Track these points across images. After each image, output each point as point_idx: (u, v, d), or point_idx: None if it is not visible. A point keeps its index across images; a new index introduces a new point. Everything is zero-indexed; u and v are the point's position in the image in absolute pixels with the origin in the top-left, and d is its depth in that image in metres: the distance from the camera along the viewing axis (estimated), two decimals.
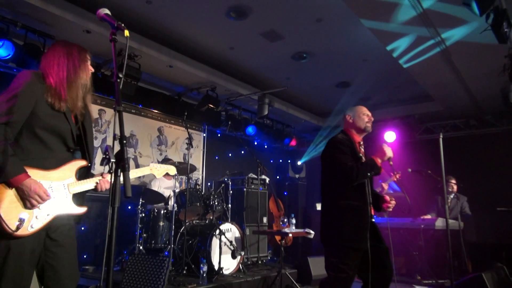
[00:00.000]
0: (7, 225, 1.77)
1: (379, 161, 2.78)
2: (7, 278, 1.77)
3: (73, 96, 2.02)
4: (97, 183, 2.09)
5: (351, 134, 3.05)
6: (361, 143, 3.06)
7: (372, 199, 2.94)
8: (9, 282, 1.77)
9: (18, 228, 1.79)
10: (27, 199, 1.83)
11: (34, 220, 1.86)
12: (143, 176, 6.49)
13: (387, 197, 2.98)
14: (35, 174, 1.88)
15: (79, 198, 2.06)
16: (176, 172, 2.77)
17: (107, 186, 2.09)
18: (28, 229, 1.84)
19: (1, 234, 1.78)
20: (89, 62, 2.15)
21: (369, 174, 2.74)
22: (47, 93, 1.95)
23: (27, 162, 1.88)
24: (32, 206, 1.85)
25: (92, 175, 2.13)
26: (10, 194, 1.82)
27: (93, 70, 2.17)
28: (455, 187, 6.26)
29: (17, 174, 1.80)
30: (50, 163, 1.96)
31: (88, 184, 2.06)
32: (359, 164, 2.76)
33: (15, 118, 1.85)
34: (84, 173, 2.11)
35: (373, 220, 2.86)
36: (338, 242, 2.76)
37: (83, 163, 2.09)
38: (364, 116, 3.03)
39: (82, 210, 2.06)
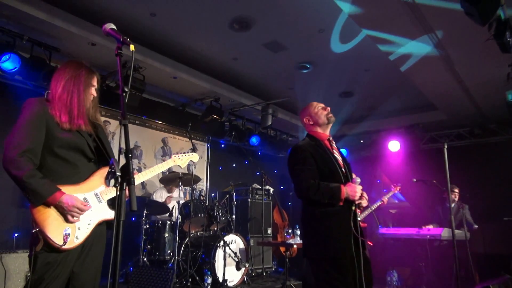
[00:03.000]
0: (54, 241, 1.86)
1: (344, 195, 2.45)
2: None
3: (74, 117, 2.07)
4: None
5: (316, 134, 2.76)
6: (331, 138, 2.76)
7: None
8: None
9: (65, 242, 1.89)
10: (68, 214, 1.92)
11: (78, 232, 1.96)
12: (146, 184, 6.52)
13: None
14: (67, 190, 1.97)
15: (114, 203, 2.09)
16: (197, 159, 2.74)
17: None
18: (74, 241, 1.94)
19: (49, 249, 1.87)
20: (94, 87, 2.20)
21: (326, 200, 2.44)
22: (56, 115, 2.03)
23: (56, 183, 1.96)
24: (73, 219, 1.95)
25: None
26: (52, 213, 1.91)
27: (95, 95, 2.21)
28: (457, 196, 6.22)
29: (52, 193, 1.89)
30: (77, 178, 2.05)
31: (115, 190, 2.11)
32: (323, 185, 2.47)
33: (32, 145, 1.94)
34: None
35: (358, 219, 2.53)
36: (319, 254, 2.47)
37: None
38: (320, 109, 2.79)
39: None
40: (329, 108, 2.81)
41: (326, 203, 2.47)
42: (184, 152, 2.70)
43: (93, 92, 2.20)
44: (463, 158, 7.51)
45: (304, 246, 2.62)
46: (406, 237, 5.96)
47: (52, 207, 1.91)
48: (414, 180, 5.47)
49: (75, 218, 1.95)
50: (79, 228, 1.97)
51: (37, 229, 1.86)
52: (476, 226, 6.02)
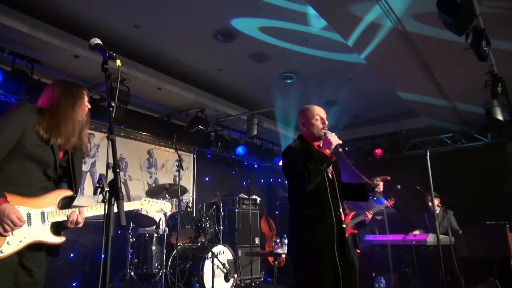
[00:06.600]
0: None
1: (327, 151, 2.53)
2: None
3: (69, 132, 2.06)
4: (67, 216, 2.05)
5: (308, 138, 2.79)
6: (321, 145, 2.71)
7: (352, 193, 2.80)
8: None
9: None
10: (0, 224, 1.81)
11: (4, 246, 1.83)
12: (133, 197, 6.44)
13: (375, 180, 2.68)
14: (15, 200, 1.88)
15: (58, 227, 2.05)
16: (170, 209, 2.69)
17: (73, 224, 2.06)
18: None
19: None
20: (86, 99, 2.20)
21: (322, 168, 2.49)
22: (39, 125, 1.99)
23: (8, 188, 1.89)
24: (4, 231, 1.82)
25: (70, 208, 2.12)
26: None
27: (89, 106, 2.21)
28: (436, 202, 6.29)
29: None
30: (29, 191, 1.96)
31: (63, 214, 2.04)
32: (308, 163, 2.50)
33: (1, 143, 1.88)
34: (67, 203, 2.12)
35: (343, 226, 2.57)
36: (302, 255, 2.54)
37: (68, 193, 2.11)
38: (317, 121, 2.72)
39: (59, 240, 2.04)
40: (327, 123, 2.76)
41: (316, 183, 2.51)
42: (158, 199, 2.64)
43: (87, 103, 2.20)
44: (446, 164, 7.66)
45: (288, 246, 2.72)
46: (393, 244, 6.02)
47: None
48: (399, 187, 5.55)
49: (6, 230, 1.82)
50: (8, 242, 1.84)
51: None
52: (460, 231, 6.12)
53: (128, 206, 2.40)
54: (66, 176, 2.13)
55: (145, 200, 2.55)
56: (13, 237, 1.86)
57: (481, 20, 3.91)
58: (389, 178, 2.73)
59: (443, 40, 4.50)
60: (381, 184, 2.71)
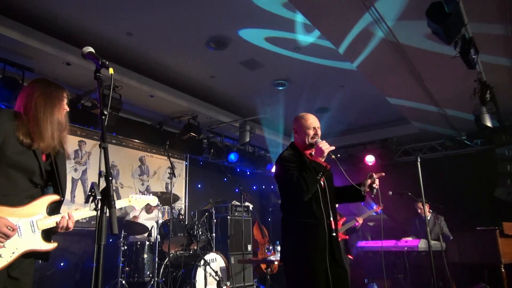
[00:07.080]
0: None
1: (320, 159, 2.57)
2: None
3: (48, 136, 2.01)
4: (57, 222, 2.01)
5: (299, 146, 2.82)
6: (312, 153, 2.73)
7: (348, 195, 2.84)
8: None
9: None
10: None
11: None
12: (125, 206, 6.38)
13: (373, 177, 2.69)
14: (2, 211, 1.84)
15: (48, 234, 2.01)
16: (158, 202, 2.65)
17: (64, 229, 2.03)
18: None
19: None
20: (65, 101, 2.15)
21: (318, 177, 2.53)
22: (19, 131, 1.95)
23: None
24: None
25: (59, 212, 2.08)
26: None
27: (68, 109, 2.16)
28: (424, 208, 6.33)
29: None
30: (16, 200, 1.92)
31: (53, 220, 2.01)
32: (303, 172, 2.52)
33: None
34: (55, 208, 2.08)
35: (334, 234, 2.61)
36: (294, 262, 2.59)
37: (54, 198, 2.06)
38: (309, 130, 2.75)
39: (51, 246, 2.01)
40: (319, 134, 2.76)
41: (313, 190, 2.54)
42: (144, 194, 2.63)
43: (66, 105, 2.14)
44: (437, 170, 7.72)
45: (281, 253, 2.75)
46: (385, 250, 6.04)
47: None
48: (390, 193, 5.58)
49: None
50: (1, 255, 1.81)
51: None
52: (451, 237, 6.17)
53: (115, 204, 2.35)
54: (51, 179, 2.08)
55: (132, 196, 2.51)
56: (5, 249, 1.83)
57: (470, 29, 3.98)
58: (383, 174, 2.75)
59: (433, 48, 4.57)
60: (377, 181, 2.72)
